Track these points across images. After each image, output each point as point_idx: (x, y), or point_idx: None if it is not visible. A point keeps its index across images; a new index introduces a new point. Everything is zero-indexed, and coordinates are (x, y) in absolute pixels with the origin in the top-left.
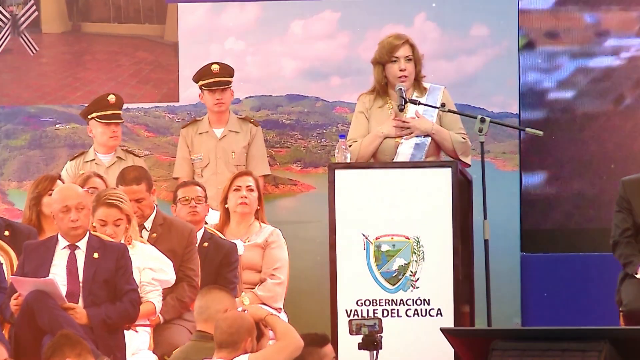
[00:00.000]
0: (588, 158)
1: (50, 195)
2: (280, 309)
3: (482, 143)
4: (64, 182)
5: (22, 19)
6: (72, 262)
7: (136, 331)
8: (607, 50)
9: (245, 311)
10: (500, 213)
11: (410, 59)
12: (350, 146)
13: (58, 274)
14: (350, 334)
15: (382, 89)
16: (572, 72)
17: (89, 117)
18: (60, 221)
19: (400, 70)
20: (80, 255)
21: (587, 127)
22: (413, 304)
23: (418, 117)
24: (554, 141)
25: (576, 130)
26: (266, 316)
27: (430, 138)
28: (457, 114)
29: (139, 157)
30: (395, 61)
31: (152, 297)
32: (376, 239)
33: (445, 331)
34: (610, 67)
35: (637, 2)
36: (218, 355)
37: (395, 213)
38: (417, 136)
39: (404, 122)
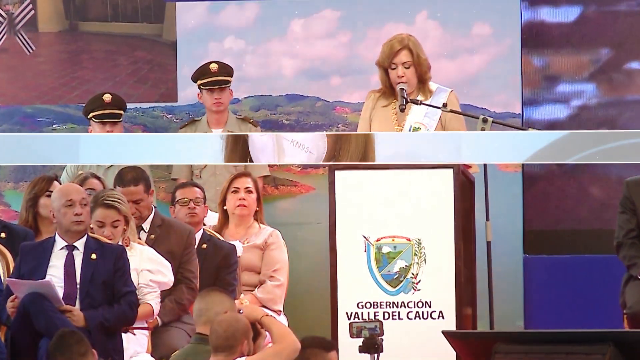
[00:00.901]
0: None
1: (48, 196)
2: (280, 311)
3: None
4: (60, 183)
5: (19, 17)
6: (69, 263)
7: (134, 334)
8: (557, 97)
9: (241, 311)
10: (502, 214)
11: (408, 66)
12: None
13: (55, 275)
14: (351, 336)
15: (387, 90)
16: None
17: (88, 116)
18: (63, 216)
19: (398, 77)
20: (78, 257)
21: (528, 189)
22: (414, 307)
23: None
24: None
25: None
26: (262, 317)
27: (435, 125)
28: (459, 114)
29: None
30: (394, 68)
31: (150, 299)
32: (377, 240)
33: (447, 334)
34: (556, 120)
35: (588, 45)
36: (214, 359)
37: (397, 214)
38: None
39: None
